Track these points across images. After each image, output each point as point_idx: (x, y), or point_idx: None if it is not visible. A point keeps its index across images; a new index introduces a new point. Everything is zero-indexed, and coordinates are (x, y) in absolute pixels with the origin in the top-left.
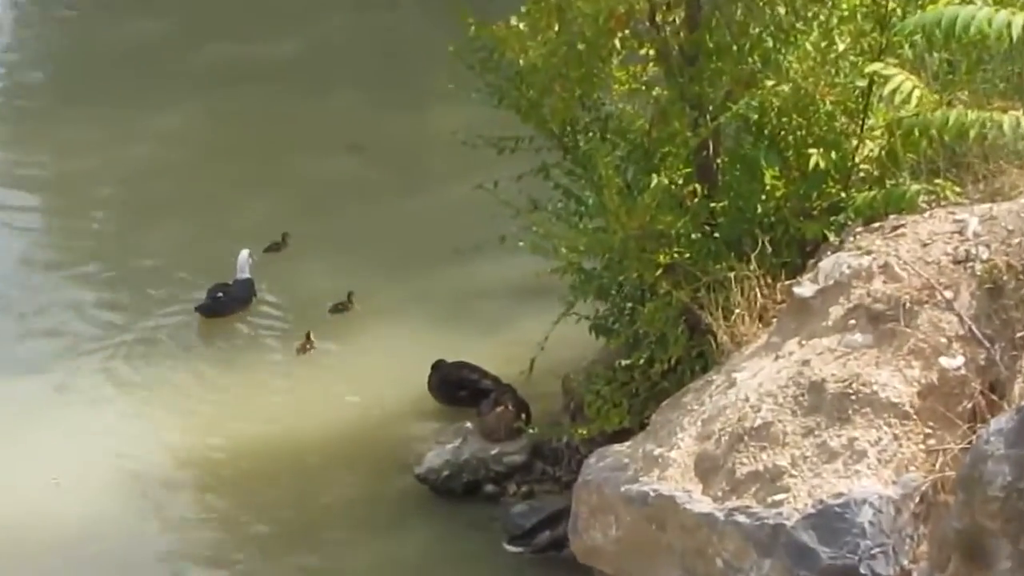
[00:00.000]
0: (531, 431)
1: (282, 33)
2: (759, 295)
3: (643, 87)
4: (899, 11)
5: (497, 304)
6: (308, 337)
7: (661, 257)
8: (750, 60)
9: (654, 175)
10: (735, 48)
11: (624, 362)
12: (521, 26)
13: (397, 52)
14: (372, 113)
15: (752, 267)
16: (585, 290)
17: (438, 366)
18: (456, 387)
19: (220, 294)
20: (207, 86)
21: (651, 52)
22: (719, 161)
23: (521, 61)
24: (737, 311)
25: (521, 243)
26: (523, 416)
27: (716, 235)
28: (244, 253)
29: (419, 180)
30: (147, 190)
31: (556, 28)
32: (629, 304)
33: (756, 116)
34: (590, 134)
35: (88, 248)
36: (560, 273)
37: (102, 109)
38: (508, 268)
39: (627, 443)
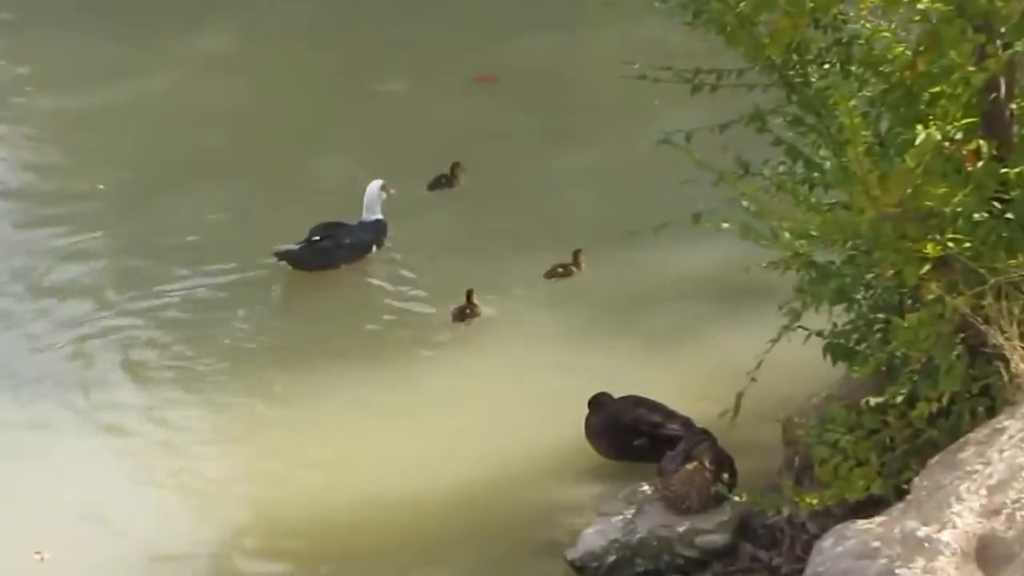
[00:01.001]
0: (737, 499)
1: None
2: None
3: None
4: None
5: (686, 311)
6: (470, 299)
7: (929, 247)
8: None
9: (920, 127)
10: None
11: (874, 400)
12: None
13: None
14: (503, 32)
15: None
16: (818, 293)
17: (601, 402)
18: (628, 433)
19: (318, 237)
20: None
21: None
22: (1014, 107)
23: None
24: None
25: (725, 224)
26: (725, 477)
27: (1010, 216)
28: (374, 185)
29: (573, 128)
30: (184, 138)
31: None
32: (881, 315)
33: None
34: (827, 65)
35: (94, 217)
36: (781, 268)
37: (122, 27)
38: (703, 258)
39: (878, 519)
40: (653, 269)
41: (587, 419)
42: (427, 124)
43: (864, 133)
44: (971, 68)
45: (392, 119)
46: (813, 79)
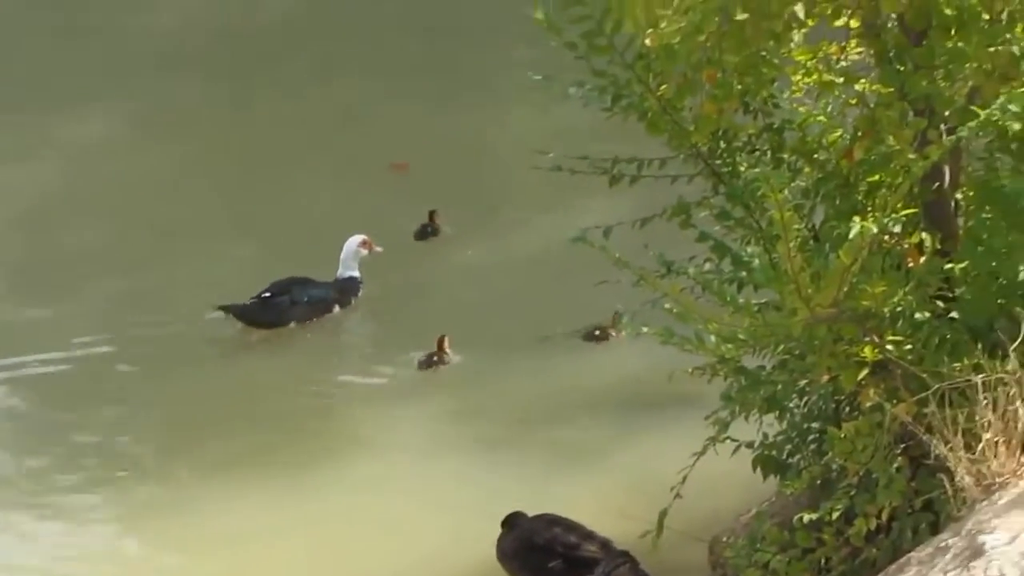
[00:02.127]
0: None
1: None
2: (1022, 412)
3: (840, 79)
4: None
5: (606, 421)
6: (441, 346)
7: (867, 351)
8: (1010, 36)
9: (857, 219)
10: (987, 18)
11: (808, 517)
12: None
13: (447, 25)
14: (412, 116)
15: (1011, 366)
16: (747, 402)
17: (514, 522)
18: (542, 555)
19: (269, 293)
20: (151, 71)
21: (853, 24)
22: (959, 197)
23: (648, 40)
24: (987, 436)
25: (645, 328)
26: None
27: (954, 316)
28: (352, 240)
29: (485, 220)
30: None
31: None
32: (816, 425)
33: (1018, 128)
34: (757, 153)
35: None
36: (708, 375)
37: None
38: (624, 364)
39: None
40: (569, 375)
41: (499, 539)
42: (332, 211)
43: (797, 227)
44: (912, 155)
45: (296, 204)
46: (742, 168)
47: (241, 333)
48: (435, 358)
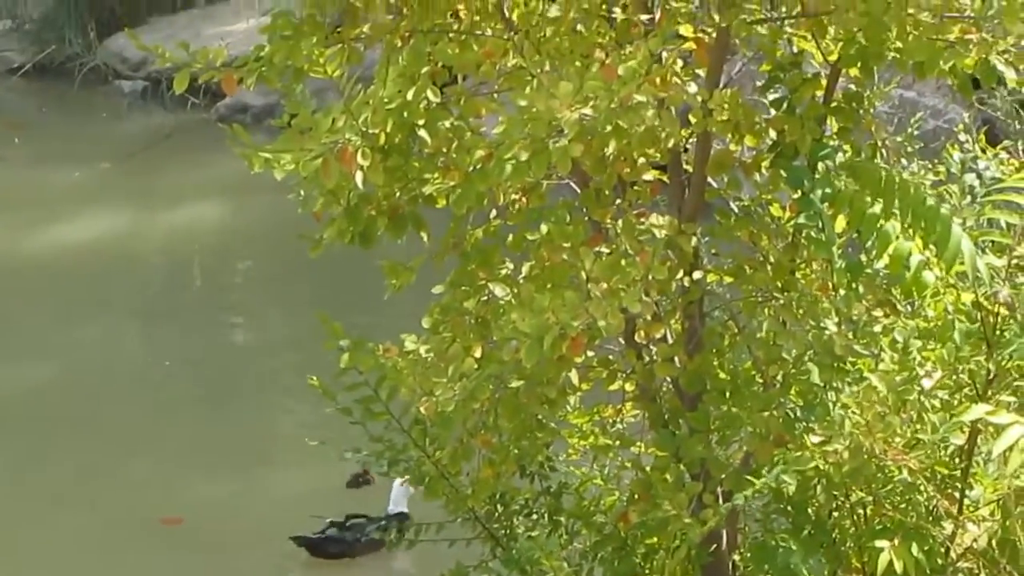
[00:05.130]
0: None
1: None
2: None
3: (616, 443)
4: (1015, 320)
5: None
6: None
7: None
8: (783, 402)
9: None
10: (760, 383)
11: None
12: (422, 351)
13: (224, 384)
14: (188, 473)
15: None
16: None
17: None
18: None
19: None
20: None
21: (628, 388)
22: (737, 560)
23: (423, 408)
24: None
25: None
26: None
27: None
28: (398, 482)
29: None
30: None
31: (477, 354)
32: None
33: (794, 490)
34: (534, 516)
35: None
36: None
37: None
38: None
39: None
40: None
41: None
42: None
43: None
44: (688, 519)
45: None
46: (519, 531)
47: None
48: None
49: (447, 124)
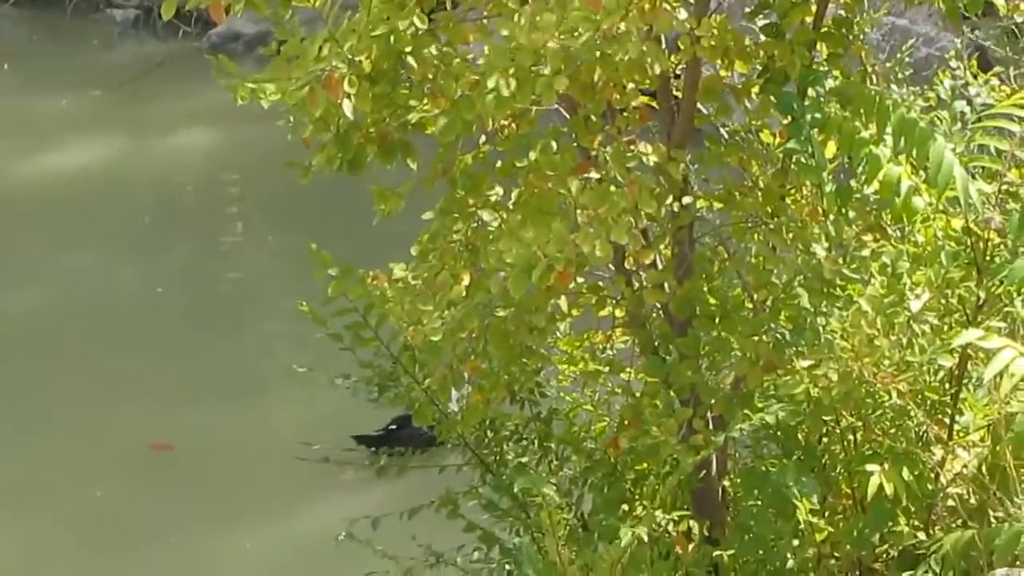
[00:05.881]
0: None
1: (12, 280)
2: None
3: (606, 369)
4: (1007, 246)
5: None
6: None
7: None
8: (773, 327)
9: (627, 524)
10: (750, 308)
11: None
12: (410, 279)
13: (216, 312)
14: (179, 398)
15: None
16: None
17: None
18: None
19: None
20: None
21: (617, 314)
22: (727, 485)
23: (410, 336)
24: None
25: None
26: None
27: None
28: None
29: (251, 505)
30: None
31: (465, 282)
32: None
33: (783, 415)
34: (523, 443)
35: None
36: None
37: None
38: None
39: None
40: None
41: None
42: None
43: (564, 518)
44: (677, 445)
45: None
46: (509, 457)
47: None
48: None
49: (434, 51)
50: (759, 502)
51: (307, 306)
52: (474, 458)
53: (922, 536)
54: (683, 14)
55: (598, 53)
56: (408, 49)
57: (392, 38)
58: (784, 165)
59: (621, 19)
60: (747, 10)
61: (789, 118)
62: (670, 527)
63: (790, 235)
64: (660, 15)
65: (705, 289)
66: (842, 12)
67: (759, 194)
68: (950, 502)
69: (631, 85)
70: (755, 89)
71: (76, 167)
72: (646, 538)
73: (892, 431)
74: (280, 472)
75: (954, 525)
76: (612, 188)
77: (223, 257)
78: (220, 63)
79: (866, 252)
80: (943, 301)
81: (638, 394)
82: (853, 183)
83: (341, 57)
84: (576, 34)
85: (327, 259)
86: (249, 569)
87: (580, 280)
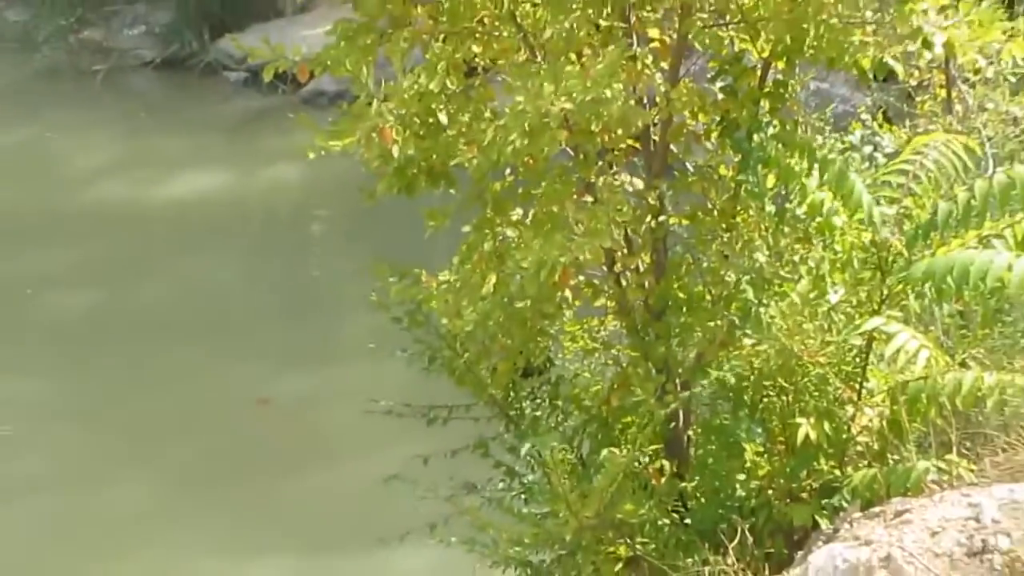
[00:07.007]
0: None
1: (148, 277)
2: None
3: (600, 346)
4: (903, 255)
5: None
6: None
7: (622, 549)
8: (726, 314)
9: (613, 450)
10: (708, 300)
11: None
12: (452, 280)
13: (304, 302)
14: (274, 369)
15: (731, 560)
16: None
17: None
18: None
19: None
20: (53, 344)
21: (609, 304)
22: (691, 434)
23: (451, 323)
24: None
25: (454, 538)
26: None
27: (687, 522)
28: None
29: (331, 451)
30: None
31: (493, 282)
32: None
33: (734, 381)
34: (537, 401)
35: None
36: (501, 568)
37: None
38: (441, 563)
39: None
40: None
41: None
42: (204, 438)
43: (567, 457)
44: (654, 402)
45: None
46: (526, 412)
47: None
48: None
49: (467, 109)
50: (715, 446)
51: (376, 296)
52: (500, 412)
53: (838, 473)
54: (660, 78)
55: (587, 114)
56: (441, 106)
57: (423, 98)
58: (736, 192)
59: (607, 84)
60: (708, 75)
61: (740, 156)
62: (647, 465)
63: (739, 245)
64: (643, 77)
65: (676, 286)
66: (780, 76)
67: (716, 214)
68: (859, 448)
69: (620, 131)
70: (714, 134)
71: (197, 193)
72: (625, 460)
73: (816, 393)
74: (352, 423)
75: (861, 465)
76: (599, 207)
77: (311, 260)
78: (301, 120)
79: (797, 258)
80: (855, 296)
81: (625, 365)
82: (788, 206)
83: (390, 113)
84: (573, 96)
85: (383, 269)
86: (330, 501)
87: (581, 278)
